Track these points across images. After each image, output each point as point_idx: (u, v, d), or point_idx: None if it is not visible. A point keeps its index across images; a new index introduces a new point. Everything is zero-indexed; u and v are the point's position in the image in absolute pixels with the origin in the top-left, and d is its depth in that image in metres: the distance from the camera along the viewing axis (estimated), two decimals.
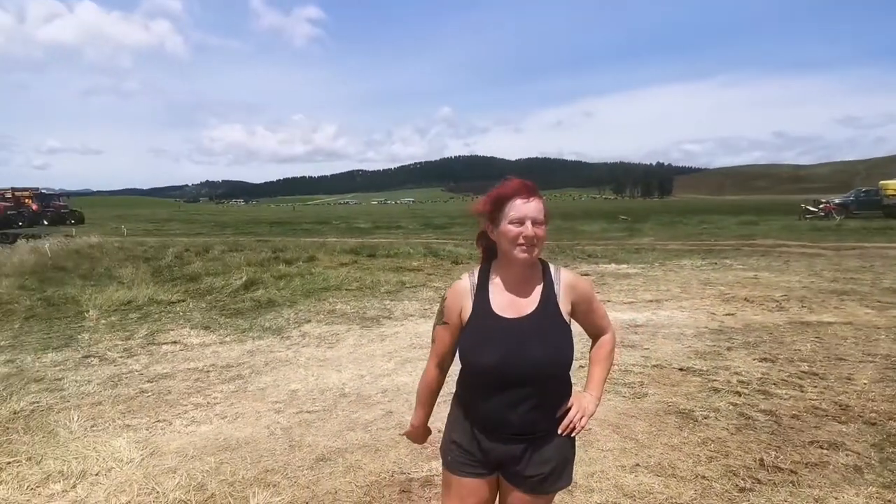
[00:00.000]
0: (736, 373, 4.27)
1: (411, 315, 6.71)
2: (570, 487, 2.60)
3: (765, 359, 4.62)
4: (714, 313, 6.44)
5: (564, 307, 1.45)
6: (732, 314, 6.37)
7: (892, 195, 26.38)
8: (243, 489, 2.69)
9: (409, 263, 11.19)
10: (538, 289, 1.46)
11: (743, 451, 2.96)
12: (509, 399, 1.41)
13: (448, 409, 1.62)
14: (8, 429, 3.43)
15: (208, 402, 3.92)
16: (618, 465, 2.84)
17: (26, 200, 34.32)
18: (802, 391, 3.85)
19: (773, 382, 4.03)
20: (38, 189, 36.86)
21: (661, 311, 6.62)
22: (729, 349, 4.95)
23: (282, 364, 4.84)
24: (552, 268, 1.50)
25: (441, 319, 1.54)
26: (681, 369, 4.40)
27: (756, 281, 8.73)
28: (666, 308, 6.82)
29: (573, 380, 1.52)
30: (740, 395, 3.77)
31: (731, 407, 3.58)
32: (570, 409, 1.44)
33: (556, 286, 1.46)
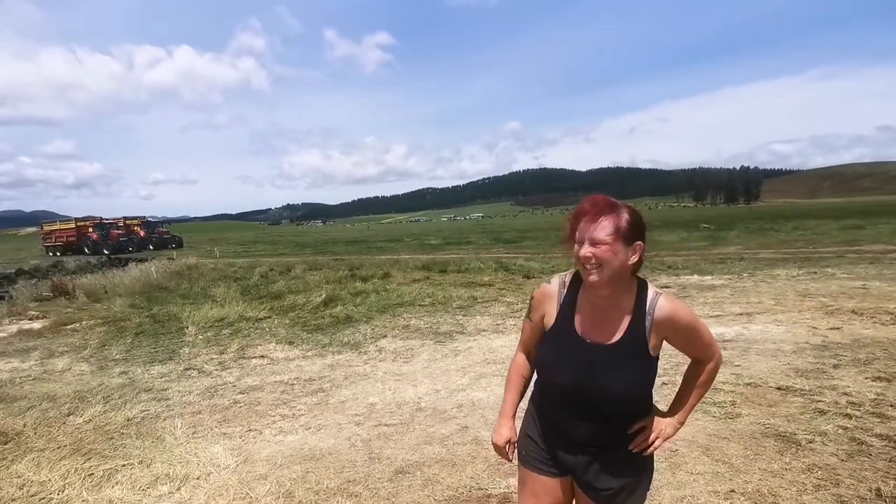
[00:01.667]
0: (845, 393, 3.86)
1: (484, 330, 6.70)
2: None
3: (879, 378, 4.14)
4: (816, 327, 5.88)
5: (654, 341, 1.40)
6: (838, 328, 5.79)
7: None
8: (327, 498, 2.80)
9: (480, 278, 11.21)
10: (627, 318, 1.40)
11: (856, 480, 2.67)
12: (580, 415, 1.44)
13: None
14: (123, 434, 3.81)
15: (293, 414, 4.13)
16: (710, 490, 2.66)
17: (135, 228, 38.32)
18: None
19: (889, 404, 3.61)
20: (144, 217, 41.06)
21: (753, 325, 6.14)
22: (835, 367, 4.49)
23: (360, 378, 5.00)
24: (650, 294, 1.40)
25: (528, 314, 1.60)
26: (779, 388, 4.05)
27: (865, 291, 7.88)
28: (758, 322, 6.32)
29: (656, 397, 1.47)
30: (851, 418, 3.41)
31: (840, 430, 3.25)
32: (645, 427, 1.44)
33: (647, 318, 1.38)
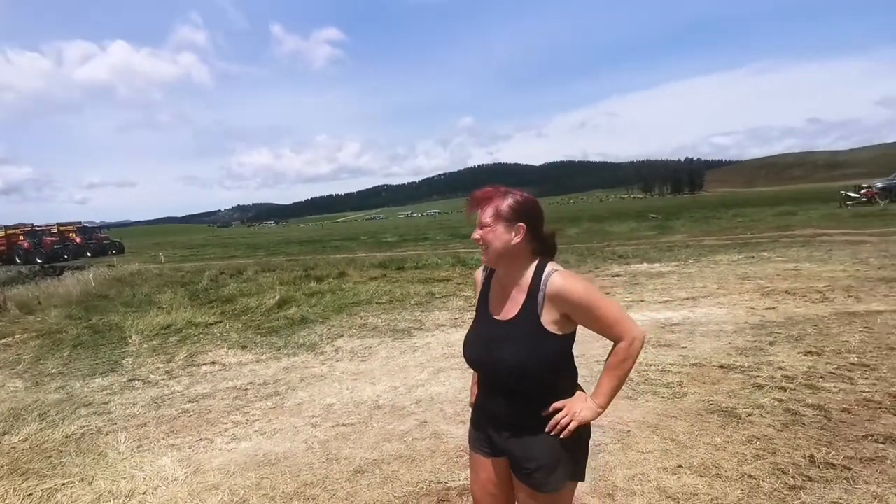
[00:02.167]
0: (780, 368, 4.11)
1: (442, 325, 6.71)
2: (610, 491, 2.56)
3: (810, 352, 4.43)
4: (754, 308, 6.23)
5: (549, 316, 1.45)
6: (774, 308, 6.15)
7: None
8: (283, 503, 2.73)
9: (437, 274, 11.22)
10: (524, 295, 1.49)
11: (791, 448, 2.84)
12: (494, 392, 1.56)
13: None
14: (62, 452, 3.58)
15: (247, 420, 4.00)
16: (659, 467, 2.77)
17: (70, 235, 36.05)
18: (853, 384, 3.67)
19: (820, 376, 3.86)
20: (80, 223, 38.69)
21: (698, 309, 6.44)
22: (771, 344, 4.77)
23: (317, 379, 4.91)
24: (546, 271, 1.47)
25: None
26: (721, 367, 4.26)
27: (797, 272, 8.40)
28: (703, 305, 6.63)
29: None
30: (786, 391, 3.63)
31: (776, 403, 3.45)
32: (561, 409, 1.48)
33: (540, 294, 1.46)
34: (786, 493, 2.44)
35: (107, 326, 7.78)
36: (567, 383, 1.53)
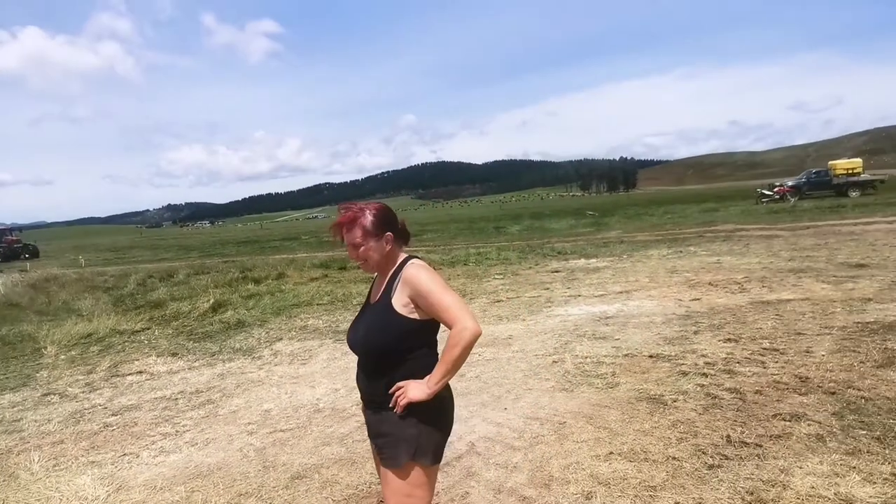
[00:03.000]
0: (703, 355, 4.38)
1: None
2: (546, 481, 2.63)
3: (729, 339, 4.76)
4: (681, 299, 6.61)
5: (399, 299, 1.62)
6: (698, 299, 6.55)
7: (841, 174, 27.70)
8: None
9: None
10: (386, 282, 1.69)
11: (710, 430, 3.04)
12: (358, 370, 1.75)
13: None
14: None
15: (177, 431, 3.80)
16: (592, 455, 2.88)
17: None
18: (765, 367, 3.98)
19: (737, 361, 4.16)
20: None
21: (631, 302, 6.75)
22: (696, 333, 5.08)
23: (254, 385, 4.74)
24: (406, 264, 1.68)
25: None
26: (650, 356, 4.49)
27: (719, 265, 9.01)
28: (635, 298, 6.96)
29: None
30: (707, 377, 3.88)
31: (698, 388, 3.68)
32: (401, 388, 1.60)
33: (396, 280, 1.66)
34: (705, 472, 2.61)
35: (18, 337, 7.16)
36: (418, 366, 1.63)
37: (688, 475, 2.59)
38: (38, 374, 5.55)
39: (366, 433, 3.36)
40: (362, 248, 1.65)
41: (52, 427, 4.03)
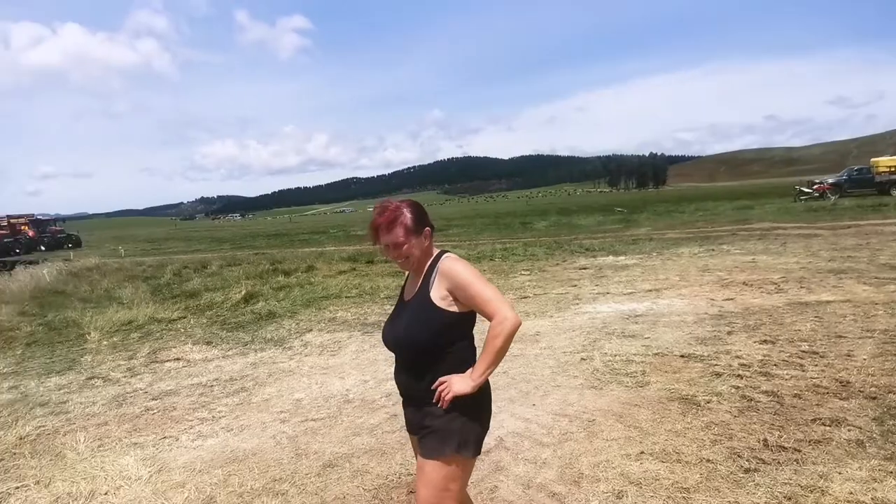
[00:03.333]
0: (737, 356, 4.29)
1: None
2: (576, 478, 2.63)
3: (765, 341, 4.64)
4: (713, 299, 6.46)
5: (437, 292, 1.63)
6: (732, 299, 6.40)
7: (884, 172, 26.53)
8: (252, 499, 2.71)
9: None
10: (423, 277, 1.69)
11: (746, 433, 2.98)
12: (398, 365, 1.76)
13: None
14: (15, 454, 3.44)
15: (213, 416, 3.93)
16: (623, 454, 2.86)
17: (22, 227, 34.31)
18: (803, 370, 3.87)
19: (773, 363, 4.05)
20: (33, 215, 36.86)
21: (661, 300, 6.64)
22: (729, 333, 4.97)
23: (285, 374, 4.85)
24: (442, 257, 1.69)
25: None
26: (682, 356, 4.42)
27: (754, 265, 8.76)
28: (665, 297, 6.84)
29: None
30: (742, 378, 3.79)
31: (733, 390, 3.60)
32: (444, 382, 1.61)
33: (434, 274, 1.66)
34: (741, 475, 2.56)
35: (63, 323, 7.48)
36: (458, 360, 1.65)
37: (723, 478, 2.55)
38: (82, 359, 5.80)
39: (395, 425, 3.44)
40: (405, 247, 1.64)
41: (96, 409, 4.21)
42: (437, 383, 1.61)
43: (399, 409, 3.71)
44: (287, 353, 5.60)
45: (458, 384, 1.58)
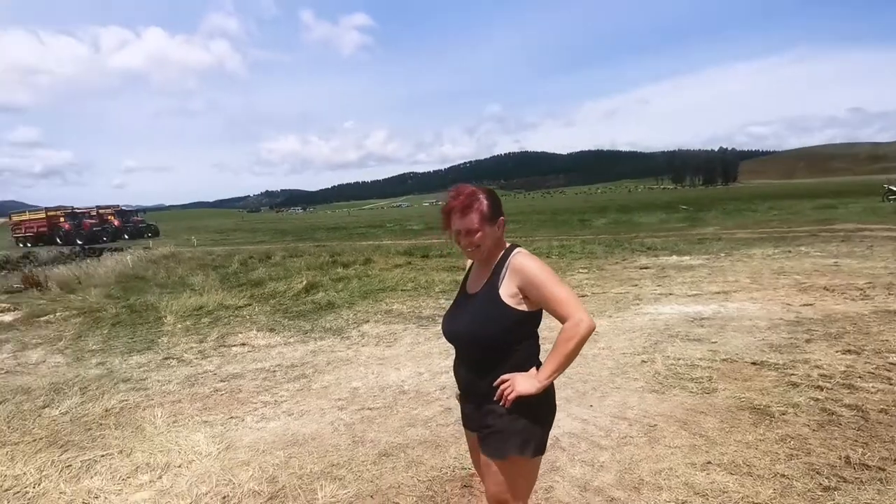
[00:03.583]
0: (816, 366, 3.98)
1: None
2: (636, 484, 2.53)
3: (849, 351, 4.28)
4: (790, 304, 6.04)
5: (507, 289, 1.57)
6: (811, 304, 5.95)
7: None
8: (311, 482, 2.80)
9: (462, 263, 11.14)
10: (492, 271, 1.63)
11: (826, 449, 2.76)
12: (459, 361, 1.71)
13: None
14: (101, 424, 3.74)
15: (276, 400, 4.10)
16: (687, 463, 2.73)
17: (109, 217, 37.32)
18: (891, 384, 3.54)
19: (858, 375, 3.73)
20: (118, 206, 40.00)
21: (730, 304, 6.28)
22: (808, 341, 4.63)
23: (343, 363, 4.99)
24: (512, 253, 1.63)
25: None
26: (754, 363, 4.15)
27: (836, 268, 8.11)
28: (735, 300, 6.46)
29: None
30: (822, 390, 3.52)
31: (812, 402, 3.35)
32: (507, 381, 1.56)
33: (504, 269, 1.60)
34: (819, 493, 2.38)
35: (143, 306, 8.05)
36: (522, 359, 1.60)
37: (799, 495, 2.37)
38: (159, 340, 6.22)
39: (449, 418, 3.45)
40: (478, 235, 1.58)
41: (171, 388, 4.51)
42: (499, 381, 1.57)
43: (453, 402, 3.73)
44: (345, 342, 5.76)
45: (522, 384, 1.54)
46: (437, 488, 2.69)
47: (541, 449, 1.62)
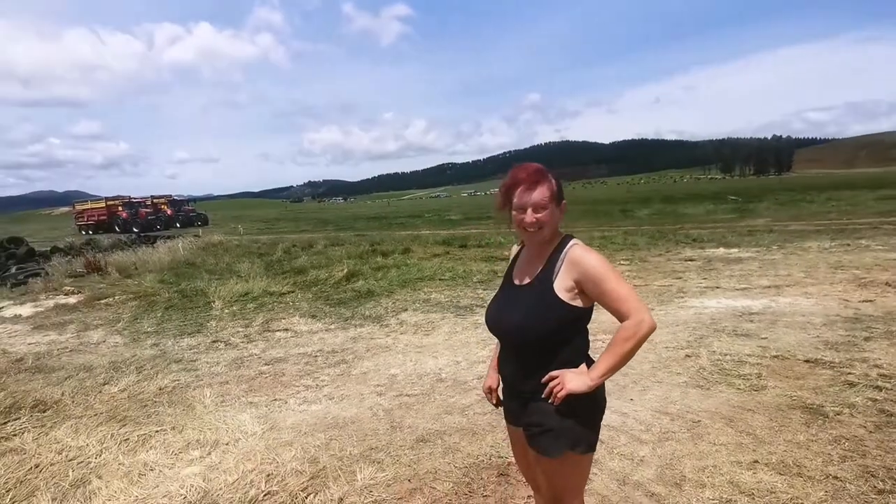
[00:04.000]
0: (876, 365, 3.76)
1: None
2: (677, 480, 2.48)
3: None
4: (848, 300, 5.72)
5: (562, 283, 1.49)
6: (871, 301, 5.61)
7: None
8: (351, 464, 2.88)
9: (500, 253, 11.17)
10: (544, 262, 1.55)
11: (883, 451, 2.62)
12: (505, 355, 1.66)
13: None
14: (155, 402, 3.96)
15: (317, 384, 4.22)
16: (733, 461, 2.64)
17: (162, 206, 39.15)
18: None
19: None
20: (171, 196, 41.87)
21: (782, 298, 6.00)
22: (867, 339, 4.37)
23: (382, 350, 5.07)
24: (568, 244, 1.54)
25: None
26: (807, 361, 3.96)
27: None
28: (787, 294, 6.17)
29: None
30: (881, 391, 3.32)
31: (869, 403, 3.17)
32: (556, 377, 1.49)
33: (559, 262, 1.51)
34: (874, 496, 2.26)
35: (194, 292, 8.42)
36: (572, 355, 1.55)
37: (852, 497, 2.26)
38: (208, 324, 6.50)
39: (486, 407, 3.46)
40: (544, 213, 1.48)
41: (219, 369, 4.71)
42: (548, 377, 1.52)
43: None
44: (384, 329, 5.85)
45: (572, 381, 1.48)
46: (473, 475, 2.71)
47: (592, 446, 1.57)
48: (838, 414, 3.06)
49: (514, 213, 1.53)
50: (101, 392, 4.22)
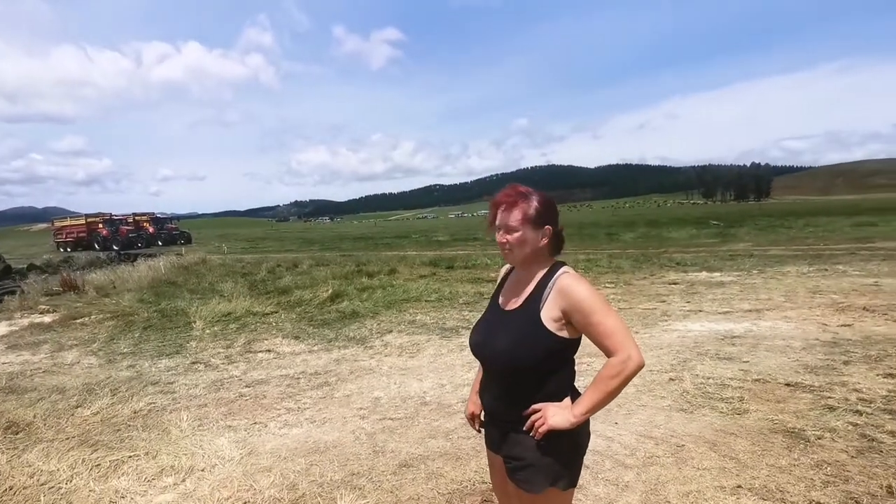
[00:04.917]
0: (855, 389, 3.81)
1: None
2: None
3: (891, 374, 4.08)
4: (826, 324, 5.81)
5: (549, 312, 1.45)
6: (849, 325, 5.71)
7: None
8: (331, 490, 2.80)
9: (486, 274, 11.18)
10: (532, 288, 1.51)
11: (866, 477, 2.63)
12: (487, 381, 1.61)
13: None
14: (129, 426, 3.83)
15: (299, 407, 4.14)
16: (716, 486, 2.63)
17: (144, 224, 38.60)
18: None
19: None
20: (153, 213, 41.35)
21: (762, 322, 6.08)
22: (846, 363, 4.43)
23: (366, 372, 5.00)
24: (560, 271, 1.50)
25: None
26: (788, 384, 4.00)
27: (877, 288, 7.77)
28: (767, 318, 6.25)
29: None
30: (861, 415, 3.36)
31: (850, 427, 3.20)
32: (539, 410, 1.46)
33: (547, 289, 1.48)
34: None
35: (174, 311, 8.26)
36: (558, 387, 1.50)
37: None
38: (188, 344, 6.36)
39: (471, 432, 3.41)
40: (516, 234, 1.47)
41: (198, 392, 4.60)
42: (531, 410, 1.47)
43: None
44: (368, 351, 5.78)
45: (555, 417, 1.43)
46: (457, 501, 2.65)
47: (574, 482, 1.52)
48: (819, 438, 3.08)
49: (495, 232, 1.55)
50: (73, 415, 4.08)
